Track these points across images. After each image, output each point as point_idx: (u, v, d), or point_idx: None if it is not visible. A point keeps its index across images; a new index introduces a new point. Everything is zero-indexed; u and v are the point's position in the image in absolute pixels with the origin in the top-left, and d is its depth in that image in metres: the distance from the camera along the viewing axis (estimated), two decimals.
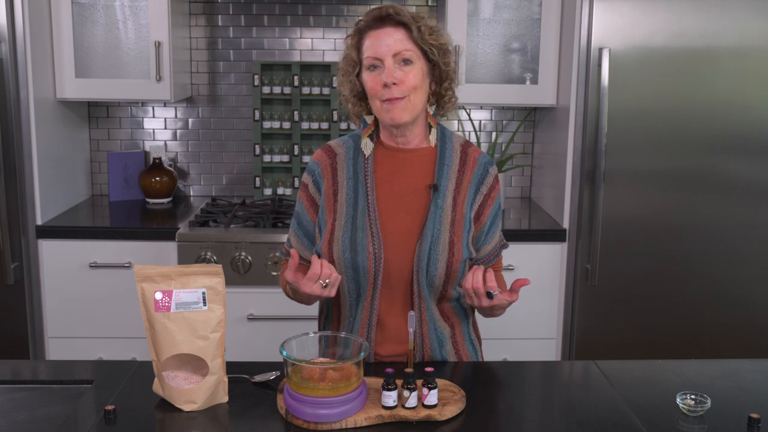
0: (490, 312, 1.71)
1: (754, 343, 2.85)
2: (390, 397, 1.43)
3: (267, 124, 3.21)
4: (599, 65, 2.67)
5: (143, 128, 3.34)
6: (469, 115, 3.31)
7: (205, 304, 1.48)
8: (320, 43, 3.31)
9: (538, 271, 2.82)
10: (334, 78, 3.16)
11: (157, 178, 3.21)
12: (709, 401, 1.46)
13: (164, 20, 2.89)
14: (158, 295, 1.46)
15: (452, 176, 1.73)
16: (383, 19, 1.66)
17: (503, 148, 3.31)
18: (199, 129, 3.36)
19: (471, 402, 1.50)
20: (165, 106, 3.33)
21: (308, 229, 1.79)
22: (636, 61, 2.68)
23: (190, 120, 3.35)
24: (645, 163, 2.75)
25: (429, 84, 1.72)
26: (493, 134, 3.37)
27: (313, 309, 1.97)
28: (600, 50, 2.67)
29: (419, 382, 1.47)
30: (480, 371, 1.71)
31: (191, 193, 3.41)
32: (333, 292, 1.60)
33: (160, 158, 3.24)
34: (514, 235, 2.74)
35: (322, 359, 1.51)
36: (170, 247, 2.76)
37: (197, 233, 2.74)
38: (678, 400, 1.48)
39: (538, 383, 1.67)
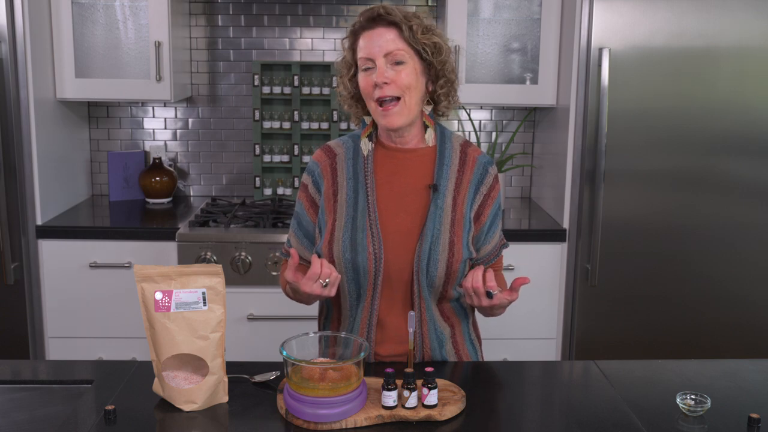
0: (490, 311, 1.71)
1: (754, 343, 2.85)
2: (390, 397, 1.43)
3: (267, 124, 3.21)
4: (599, 65, 2.67)
5: (143, 128, 3.34)
6: (469, 115, 3.31)
7: (205, 304, 1.48)
8: (320, 43, 3.31)
9: (538, 271, 2.82)
10: (334, 78, 3.16)
11: (157, 178, 3.21)
12: (709, 401, 1.46)
13: (164, 20, 2.89)
14: (158, 295, 1.46)
15: (452, 176, 1.73)
16: (375, 19, 1.66)
17: (503, 148, 3.31)
18: (199, 129, 3.36)
19: (471, 402, 1.50)
20: (165, 106, 3.33)
21: (308, 229, 1.79)
22: (636, 61, 2.68)
23: (190, 120, 3.35)
24: (645, 163, 2.75)
25: (426, 83, 1.72)
26: (493, 134, 3.37)
27: (313, 309, 1.97)
28: (600, 50, 2.67)
29: (419, 382, 1.47)
30: (480, 371, 1.71)
31: (191, 193, 3.41)
32: (333, 292, 1.60)
33: (160, 158, 3.24)
34: (514, 235, 2.74)
35: (322, 359, 1.51)
36: (170, 247, 2.76)
37: (197, 233, 2.74)
38: (678, 400, 1.48)
39: (538, 383, 1.67)
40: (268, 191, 3.27)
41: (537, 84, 3.00)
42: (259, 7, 3.27)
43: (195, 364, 1.49)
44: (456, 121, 3.37)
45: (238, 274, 2.73)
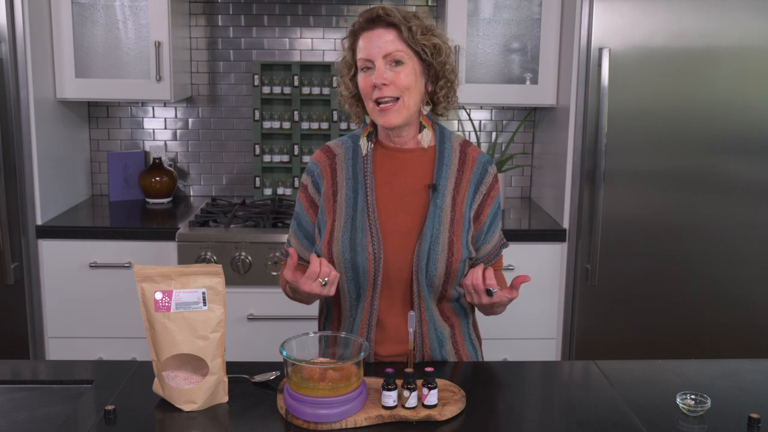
0: (491, 309, 1.71)
1: (754, 343, 2.85)
2: (390, 397, 1.43)
3: (267, 124, 3.21)
4: (599, 65, 2.67)
5: (143, 128, 3.34)
6: (469, 115, 3.31)
7: (205, 304, 1.48)
8: (320, 43, 3.31)
9: (538, 271, 2.82)
10: (334, 78, 3.16)
11: (157, 178, 3.21)
12: (709, 401, 1.46)
13: (164, 20, 2.89)
14: (158, 295, 1.46)
15: (451, 176, 1.73)
16: (374, 20, 1.66)
17: (503, 148, 3.31)
18: (199, 129, 3.36)
19: (471, 402, 1.50)
20: (165, 106, 3.33)
21: (308, 230, 1.79)
22: (636, 61, 2.68)
23: (190, 120, 3.35)
24: (645, 163, 2.75)
25: (425, 84, 1.71)
26: (493, 134, 3.37)
27: (313, 309, 1.97)
28: (600, 50, 2.67)
29: (419, 382, 1.47)
30: (480, 371, 1.71)
31: (191, 193, 3.41)
32: (332, 291, 1.60)
33: (160, 158, 3.24)
34: (514, 235, 2.74)
35: (322, 359, 1.51)
36: (170, 247, 2.76)
37: (197, 233, 2.74)
38: (678, 400, 1.48)
39: (538, 383, 1.67)
40: (268, 191, 3.27)
41: (537, 84, 3.00)
42: (259, 7, 3.27)
43: (195, 364, 1.49)
44: (456, 121, 3.37)
45: (238, 274, 2.73)
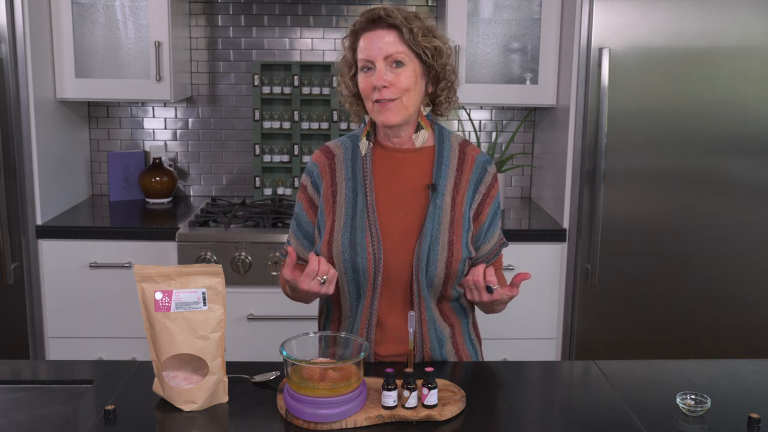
0: (491, 307, 1.71)
1: (754, 343, 2.85)
2: (390, 397, 1.43)
3: (267, 124, 3.21)
4: (599, 65, 2.67)
5: (143, 128, 3.34)
6: (469, 115, 3.31)
7: (205, 304, 1.48)
8: (320, 43, 3.31)
9: (538, 271, 2.82)
10: (334, 78, 3.16)
11: (157, 178, 3.21)
12: (709, 401, 1.46)
13: (164, 20, 2.89)
14: (158, 295, 1.46)
15: (451, 176, 1.73)
16: (375, 21, 1.66)
17: (503, 148, 3.31)
18: (199, 129, 3.36)
19: (471, 402, 1.50)
20: (165, 106, 3.33)
21: (307, 230, 1.79)
22: (636, 61, 2.68)
23: (190, 120, 3.35)
24: (645, 163, 2.75)
25: (425, 85, 1.71)
26: (493, 134, 3.37)
27: (313, 309, 1.97)
28: (600, 50, 2.67)
29: (419, 382, 1.47)
30: (480, 371, 1.71)
31: (191, 193, 3.41)
32: (331, 289, 1.60)
33: (160, 158, 3.24)
34: (514, 235, 2.74)
35: (322, 359, 1.51)
36: (170, 247, 2.76)
37: (197, 233, 2.74)
38: (678, 400, 1.48)
39: (538, 383, 1.67)
40: (268, 191, 3.27)
41: (537, 84, 3.00)
42: (259, 7, 3.27)
43: (195, 364, 1.49)
44: (456, 121, 3.37)
45: (238, 274, 2.73)
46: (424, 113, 1.75)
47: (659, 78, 2.70)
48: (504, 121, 3.38)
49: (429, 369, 1.44)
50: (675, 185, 2.76)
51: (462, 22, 2.93)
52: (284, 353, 1.43)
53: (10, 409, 1.56)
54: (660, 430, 1.41)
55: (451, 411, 1.44)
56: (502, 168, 3.18)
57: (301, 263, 1.79)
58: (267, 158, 3.24)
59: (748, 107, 2.72)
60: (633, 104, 2.71)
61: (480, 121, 3.38)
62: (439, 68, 1.69)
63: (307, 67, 3.22)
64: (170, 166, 3.31)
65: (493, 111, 3.37)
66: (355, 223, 1.70)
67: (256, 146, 3.22)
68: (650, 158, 2.74)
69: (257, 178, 3.24)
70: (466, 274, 1.80)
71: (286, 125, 3.22)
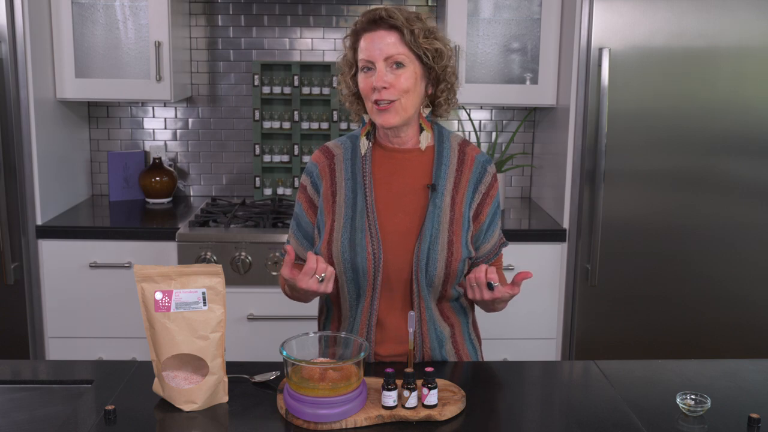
0: (492, 306, 1.72)
1: (754, 343, 2.85)
2: (390, 397, 1.43)
3: (267, 124, 3.21)
4: (599, 65, 2.67)
5: (143, 128, 3.34)
6: (469, 115, 3.31)
7: (205, 304, 1.48)
8: (320, 43, 3.31)
9: (538, 271, 2.81)
10: (334, 78, 3.16)
11: (157, 178, 3.21)
12: (709, 401, 1.46)
13: (164, 20, 2.89)
14: (158, 295, 1.46)
15: (450, 176, 1.73)
16: (376, 21, 1.66)
17: (503, 148, 3.31)
18: (199, 129, 3.36)
19: (471, 402, 1.50)
20: (165, 106, 3.33)
21: (307, 230, 1.79)
22: (636, 61, 2.68)
23: (190, 120, 3.35)
24: (645, 163, 2.75)
25: (425, 86, 1.71)
26: (493, 134, 3.37)
27: (313, 309, 1.97)
28: (600, 50, 2.67)
29: (419, 382, 1.47)
30: (480, 371, 1.71)
31: (191, 193, 3.41)
32: (330, 288, 1.60)
33: (160, 158, 3.24)
34: (514, 235, 2.74)
35: (322, 359, 1.51)
36: (170, 247, 2.76)
37: (197, 233, 2.74)
38: (678, 400, 1.48)
39: (538, 383, 1.67)
40: (268, 191, 3.27)
41: (537, 84, 3.00)
42: (259, 7, 3.27)
43: (195, 364, 1.49)
44: (456, 121, 3.37)
45: (238, 274, 2.73)
46: (425, 115, 1.75)
47: (659, 78, 2.70)
48: (504, 121, 3.38)
49: (429, 369, 1.44)
50: (675, 185, 2.76)
51: (462, 22, 2.93)
52: (284, 353, 1.43)
53: (10, 409, 1.56)
54: (660, 430, 1.41)
55: (451, 411, 1.44)
56: (502, 168, 3.18)
57: (300, 262, 1.79)
58: (267, 158, 3.24)
59: (748, 107, 2.72)
60: (633, 104, 2.71)
61: (480, 121, 3.38)
62: (440, 70, 1.69)
63: (307, 67, 3.22)
64: (170, 166, 3.31)
65: (493, 111, 3.37)
66: (354, 223, 1.70)
67: (256, 146, 3.22)
68: (650, 158, 2.74)
69: (257, 178, 3.24)
70: (467, 274, 1.80)
71: (286, 125, 3.22)
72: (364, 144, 1.76)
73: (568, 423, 1.44)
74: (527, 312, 2.82)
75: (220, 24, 3.29)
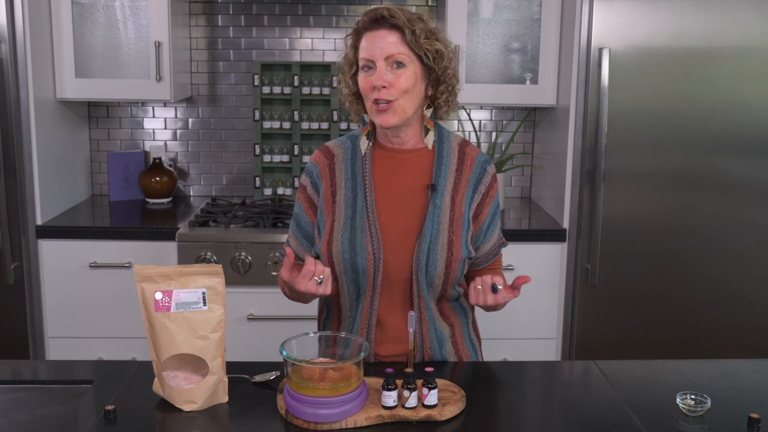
0: (492, 307, 1.72)
1: (754, 343, 2.85)
2: (390, 397, 1.43)
3: (267, 124, 3.21)
4: (599, 65, 2.67)
5: (143, 128, 3.34)
6: (469, 115, 3.31)
7: (205, 304, 1.48)
8: (320, 43, 3.31)
9: (538, 271, 2.82)
10: (334, 78, 3.16)
11: (157, 178, 3.21)
12: (709, 401, 1.46)
13: (164, 20, 2.89)
14: (158, 295, 1.46)
15: (450, 176, 1.73)
16: (378, 21, 1.66)
17: (503, 148, 3.31)
18: (199, 129, 3.36)
19: (471, 402, 1.50)
20: (165, 106, 3.33)
21: (307, 230, 1.79)
22: (636, 61, 2.68)
23: (190, 120, 3.35)
24: (645, 163, 2.75)
25: (425, 87, 1.71)
26: (493, 134, 3.37)
27: (313, 309, 1.97)
28: (600, 50, 2.67)
29: (419, 382, 1.47)
30: (480, 371, 1.71)
31: (191, 193, 3.41)
32: (329, 290, 1.60)
33: (160, 158, 3.24)
34: (514, 235, 2.74)
35: (322, 359, 1.51)
36: (170, 247, 2.76)
37: (197, 233, 2.74)
38: (678, 400, 1.48)
39: (538, 383, 1.67)
40: (268, 191, 3.27)
41: (537, 84, 3.00)
42: (259, 7, 3.27)
43: (195, 364, 1.49)
44: (456, 121, 3.37)
45: (238, 274, 2.73)
46: (428, 116, 1.75)
47: (659, 78, 2.70)
48: (504, 121, 3.38)
49: (429, 369, 1.44)
50: (675, 185, 2.76)
51: (462, 22, 2.93)
52: (284, 353, 1.43)
53: (10, 409, 1.56)
54: (660, 430, 1.41)
55: (451, 411, 1.44)
56: (502, 168, 3.18)
57: (300, 263, 1.79)
58: (267, 158, 3.24)
59: (748, 107, 2.72)
60: (633, 104, 2.71)
61: (480, 121, 3.38)
62: (440, 71, 1.69)
63: (307, 67, 3.22)
64: (170, 166, 3.31)
65: (493, 111, 3.37)
66: (354, 223, 1.70)
67: (256, 146, 3.22)
68: (650, 158, 2.74)
69: (257, 178, 3.24)
70: (467, 275, 1.80)
71: (286, 125, 3.22)
72: (364, 143, 1.76)
73: (568, 423, 1.44)
74: (527, 312, 2.82)
75: (220, 24, 3.29)
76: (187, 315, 1.46)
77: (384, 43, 1.64)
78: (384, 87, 1.64)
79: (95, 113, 3.32)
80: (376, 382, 1.51)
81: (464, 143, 1.79)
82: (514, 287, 1.61)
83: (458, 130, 3.37)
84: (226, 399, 1.50)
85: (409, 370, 1.44)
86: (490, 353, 2.10)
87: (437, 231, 1.69)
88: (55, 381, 1.61)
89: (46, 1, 2.84)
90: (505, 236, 1.89)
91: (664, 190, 2.76)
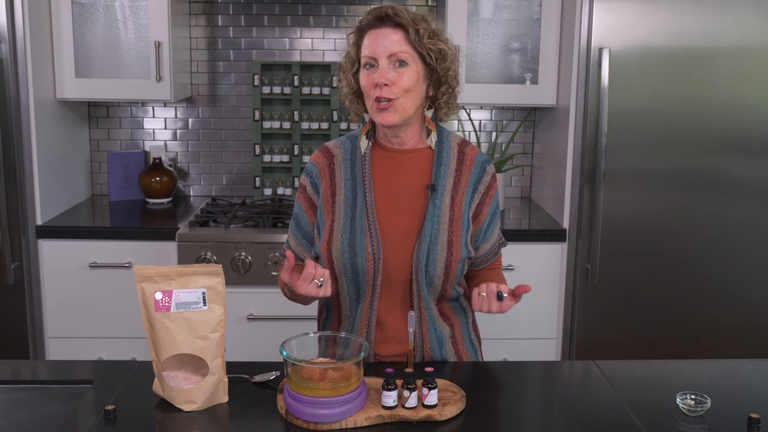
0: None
1: (754, 343, 2.85)
2: (390, 397, 1.43)
3: (267, 124, 3.21)
4: (599, 65, 2.67)
5: (143, 128, 3.34)
6: (469, 115, 3.31)
7: (205, 304, 1.48)
8: (320, 43, 3.31)
9: (538, 271, 2.82)
10: (334, 78, 3.16)
11: (157, 178, 3.21)
12: (709, 401, 1.46)
13: (164, 20, 2.89)
14: (158, 295, 1.46)
15: (450, 176, 1.73)
16: (382, 19, 1.66)
17: (503, 148, 3.31)
18: (199, 129, 3.36)
19: (471, 402, 1.50)
20: (165, 106, 3.33)
21: (307, 230, 1.79)
22: (636, 61, 2.68)
23: (190, 120, 3.35)
24: (645, 163, 2.75)
25: (427, 87, 1.71)
26: (493, 134, 3.37)
27: (313, 309, 1.97)
28: (600, 50, 2.67)
29: (419, 382, 1.47)
30: (480, 371, 1.71)
31: (191, 193, 3.41)
32: (329, 291, 1.59)
33: (160, 158, 3.24)
34: (514, 235, 2.74)
35: (322, 359, 1.51)
36: (170, 247, 2.76)
37: (197, 233, 2.74)
38: (678, 400, 1.48)
39: (538, 383, 1.67)
40: (268, 191, 3.27)
41: (537, 84, 3.00)
42: (259, 7, 3.27)
43: (195, 364, 1.49)
44: (456, 121, 3.37)
45: (238, 274, 2.73)
46: (429, 116, 1.75)
47: (659, 78, 2.70)
48: (504, 121, 3.38)
49: (429, 369, 1.44)
50: (675, 185, 2.76)
51: (462, 22, 2.93)
52: (284, 353, 1.43)
53: (10, 409, 1.56)
54: (660, 430, 1.41)
55: (451, 411, 1.44)
56: (502, 168, 3.18)
57: (300, 264, 1.79)
58: (267, 158, 3.24)
59: (748, 107, 2.72)
60: (633, 104, 2.71)
61: (480, 121, 3.38)
62: (442, 72, 1.70)
63: (307, 67, 3.22)
64: (170, 166, 3.31)
65: (493, 111, 3.37)
66: (354, 224, 1.70)
67: (256, 146, 3.22)
68: (650, 158, 2.74)
69: (257, 178, 3.24)
70: (466, 275, 1.80)
71: (286, 125, 3.22)
72: (364, 143, 1.76)
73: (568, 423, 1.44)
74: (527, 312, 2.82)
75: (220, 24, 3.29)
76: (187, 315, 1.46)
77: (387, 41, 1.64)
78: (386, 85, 1.64)
79: (95, 113, 3.32)
80: (376, 382, 1.51)
81: (464, 143, 1.79)
82: (515, 295, 1.61)
83: (458, 130, 3.37)
84: (226, 399, 1.50)
85: (409, 370, 1.44)
86: (490, 353, 2.10)
87: (437, 231, 1.69)
88: (55, 381, 1.61)
89: (46, 1, 2.84)
90: (505, 236, 1.89)
91: (664, 190, 2.76)
